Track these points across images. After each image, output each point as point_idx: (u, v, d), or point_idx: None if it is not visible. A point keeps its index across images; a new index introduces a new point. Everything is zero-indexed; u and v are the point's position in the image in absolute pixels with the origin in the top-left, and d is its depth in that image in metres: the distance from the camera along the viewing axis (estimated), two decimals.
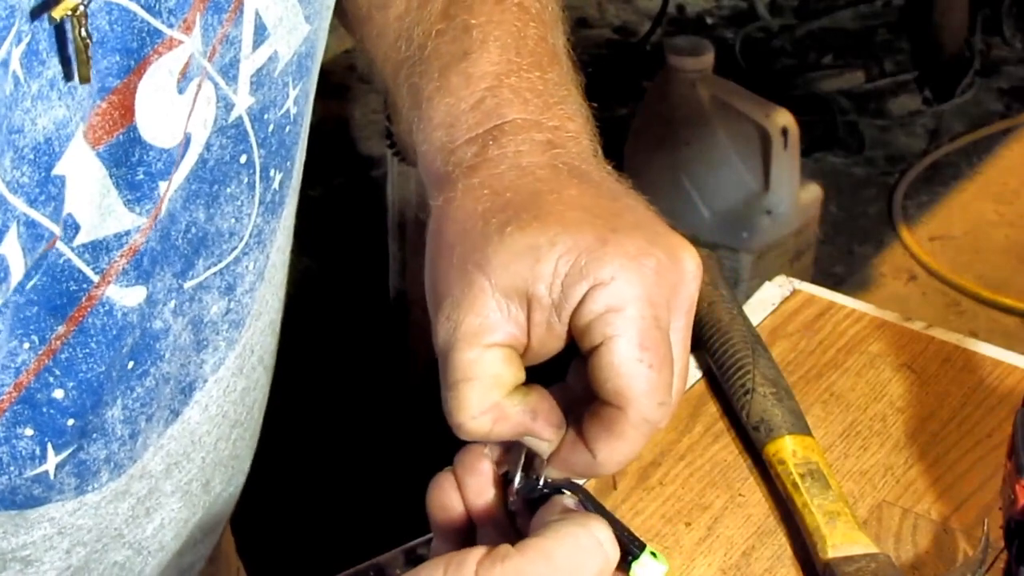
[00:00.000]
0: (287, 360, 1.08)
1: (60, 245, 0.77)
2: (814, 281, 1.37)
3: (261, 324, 0.97)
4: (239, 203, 0.87)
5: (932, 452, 1.17)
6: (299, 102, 0.90)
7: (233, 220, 0.87)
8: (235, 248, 0.89)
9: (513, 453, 0.82)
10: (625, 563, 0.77)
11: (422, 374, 2.80)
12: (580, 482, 0.81)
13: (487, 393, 0.79)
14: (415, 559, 1.20)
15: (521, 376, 0.80)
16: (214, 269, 0.88)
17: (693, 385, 1.23)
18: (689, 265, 0.80)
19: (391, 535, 1.15)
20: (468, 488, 0.81)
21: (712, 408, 1.21)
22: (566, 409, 0.81)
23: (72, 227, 0.77)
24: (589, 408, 0.80)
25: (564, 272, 0.78)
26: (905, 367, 1.25)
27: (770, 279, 1.36)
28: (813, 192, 3.10)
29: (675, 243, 0.81)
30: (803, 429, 1.13)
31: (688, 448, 1.17)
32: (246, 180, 0.88)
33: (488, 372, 0.79)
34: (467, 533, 0.81)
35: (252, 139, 0.86)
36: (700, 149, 3.02)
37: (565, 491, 0.79)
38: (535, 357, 0.81)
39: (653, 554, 0.77)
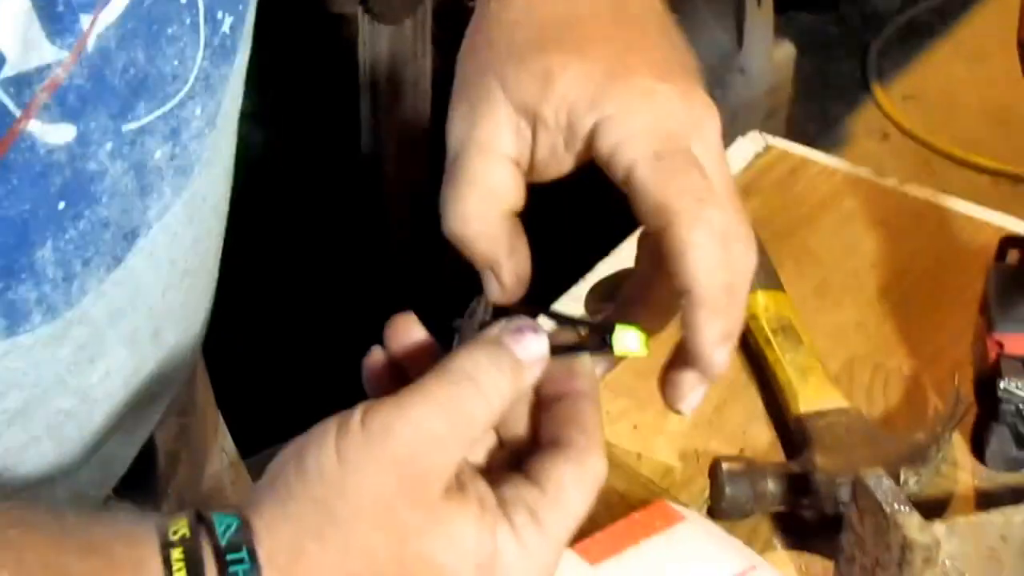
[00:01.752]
0: (260, 221, 1.07)
1: None
2: (787, 139, 1.37)
3: (214, 172, 0.95)
4: (182, 44, 0.86)
5: (904, 308, 1.17)
6: None
7: (176, 62, 0.85)
8: (179, 91, 0.87)
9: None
10: (605, 344, 0.78)
11: (395, 234, 2.80)
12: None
13: (485, 200, 0.80)
14: None
15: (520, 201, 0.81)
16: (157, 112, 0.86)
17: None
18: (704, 111, 0.80)
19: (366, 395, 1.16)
20: (401, 356, 0.80)
21: None
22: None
23: None
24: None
25: (571, 100, 0.79)
26: (878, 224, 1.25)
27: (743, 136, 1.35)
28: (787, 51, 3.09)
29: (688, 86, 0.81)
30: (776, 285, 1.13)
31: None
32: (188, 21, 0.86)
33: (492, 181, 0.80)
34: None
35: None
36: (673, 7, 2.99)
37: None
38: (538, 177, 0.82)
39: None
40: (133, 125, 0.85)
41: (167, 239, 0.93)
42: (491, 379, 0.73)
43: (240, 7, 0.90)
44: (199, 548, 0.69)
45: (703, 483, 0.99)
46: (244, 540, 0.70)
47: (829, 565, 0.93)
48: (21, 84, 0.77)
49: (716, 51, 3.00)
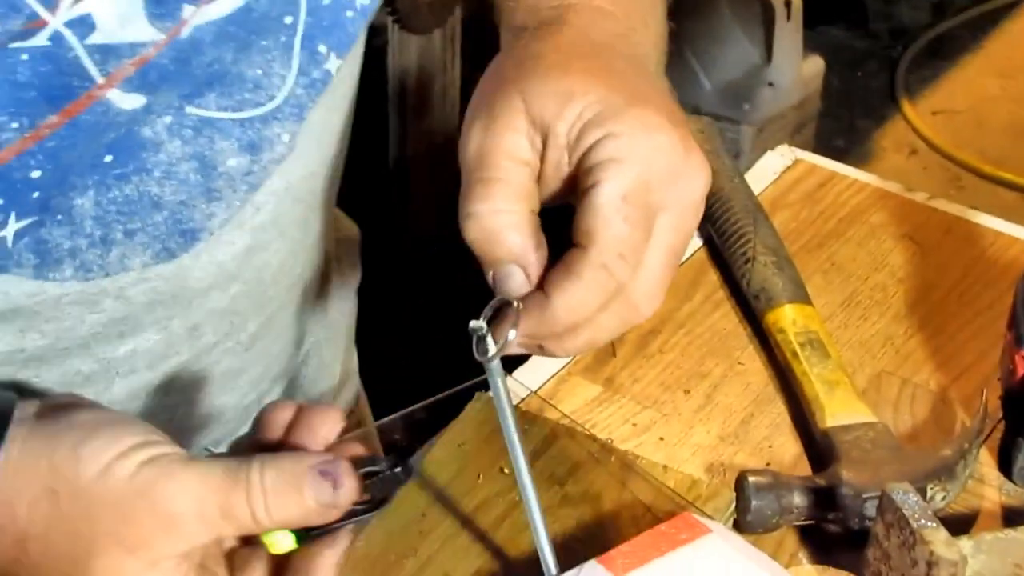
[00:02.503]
0: None
1: (72, 40, 0.80)
2: (815, 153, 1.36)
3: (289, 194, 0.99)
4: (270, 58, 0.91)
5: (932, 323, 1.17)
6: None
7: (259, 71, 0.91)
8: (261, 105, 0.91)
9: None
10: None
11: (421, 242, 2.81)
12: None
13: (515, 197, 0.83)
14: (413, 424, 1.20)
15: (538, 207, 0.84)
16: (231, 114, 0.90)
17: (693, 253, 1.23)
18: (698, 168, 0.84)
19: (388, 403, 1.16)
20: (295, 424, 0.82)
21: (712, 276, 1.21)
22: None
23: (87, 26, 0.80)
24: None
25: (586, 119, 0.83)
26: (906, 238, 1.25)
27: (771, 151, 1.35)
28: (815, 65, 3.09)
29: (692, 145, 0.84)
30: (803, 298, 1.13)
31: (688, 316, 1.17)
32: (283, 39, 0.91)
33: (519, 180, 0.83)
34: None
35: (302, 4, 0.90)
36: (703, 21, 3.00)
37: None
38: (540, 194, 0.85)
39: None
40: (198, 111, 0.89)
41: (224, 247, 0.96)
42: (263, 501, 0.76)
43: (348, 54, 0.95)
44: None
45: (729, 496, 0.99)
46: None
47: None
48: (108, 53, 0.82)
49: (745, 65, 3.00)
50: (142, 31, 0.82)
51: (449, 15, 2.77)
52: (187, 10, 0.84)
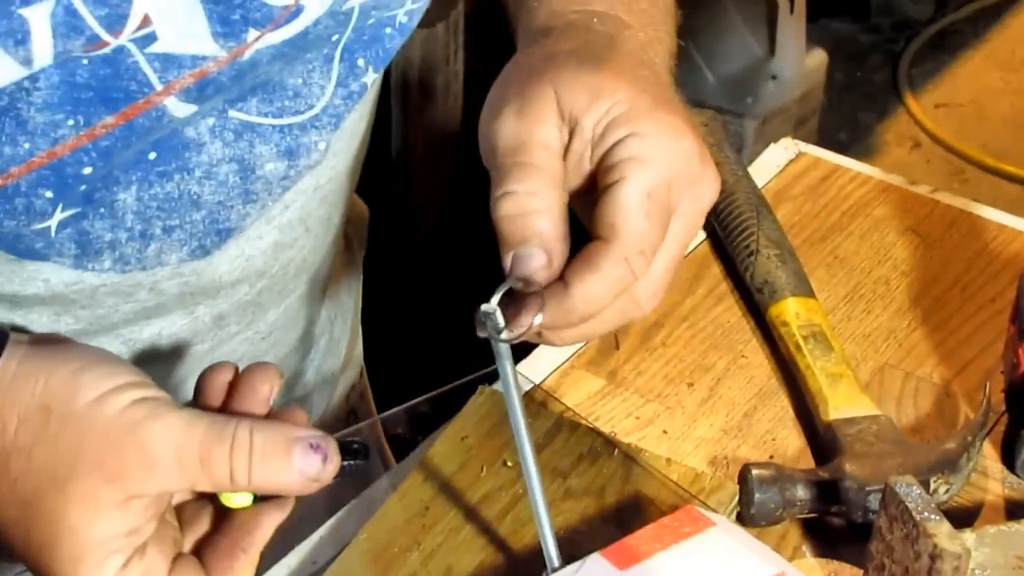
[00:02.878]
0: None
1: (132, 48, 0.83)
2: (818, 147, 1.36)
3: (318, 196, 1.02)
4: (310, 67, 0.93)
5: (935, 316, 1.17)
6: (411, 16, 0.98)
7: (299, 80, 0.93)
8: (300, 113, 0.94)
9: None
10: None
11: (423, 234, 2.81)
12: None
13: (551, 183, 0.85)
14: (416, 417, 1.20)
15: (566, 197, 0.86)
16: (271, 120, 0.93)
17: (697, 246, 1.23)
18: (712, 178, 0.88)
19: (390, 394, 1.16)
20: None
21: (715, 270, 1.21)
22: None
23: (148, 38, 0.82)
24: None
25: (613, 115, 0.86)
26: (910, 231, 1.25)
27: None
28: (818, 58, 3.08)
29: (708, 155, 0.88)
30: (806, 291, 1.13)
31: (691, 310, 1.17)
32: (325, 51, 0.93)
33: (555, 169, 0.86)
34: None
35: (351, 24, 0.93)
36: (706, 15, 2.99)
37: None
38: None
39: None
40: (239, 115, 0.91)
41: (253, 242, 1.00)
42: (247, 462, 0.77)
43: (383, 64, 0.98)
44: None
45: (732, 489, 0.99)
46: None
47: (858, 572, 0.93)
48: (169, 63, 0.85)
49: (748, 58, 3.00)
50: (205, 47, 0.85)
51: (452, 8, 2.77)
52: (252, 34, 0.86)
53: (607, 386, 1.10)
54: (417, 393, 0.98)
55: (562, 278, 0.84)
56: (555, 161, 0.86)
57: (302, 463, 0.78)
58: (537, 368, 1.11)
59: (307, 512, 1.26)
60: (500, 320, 0.84)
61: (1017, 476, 1.04)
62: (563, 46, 0.90)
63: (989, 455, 1.05)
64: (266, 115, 0.93)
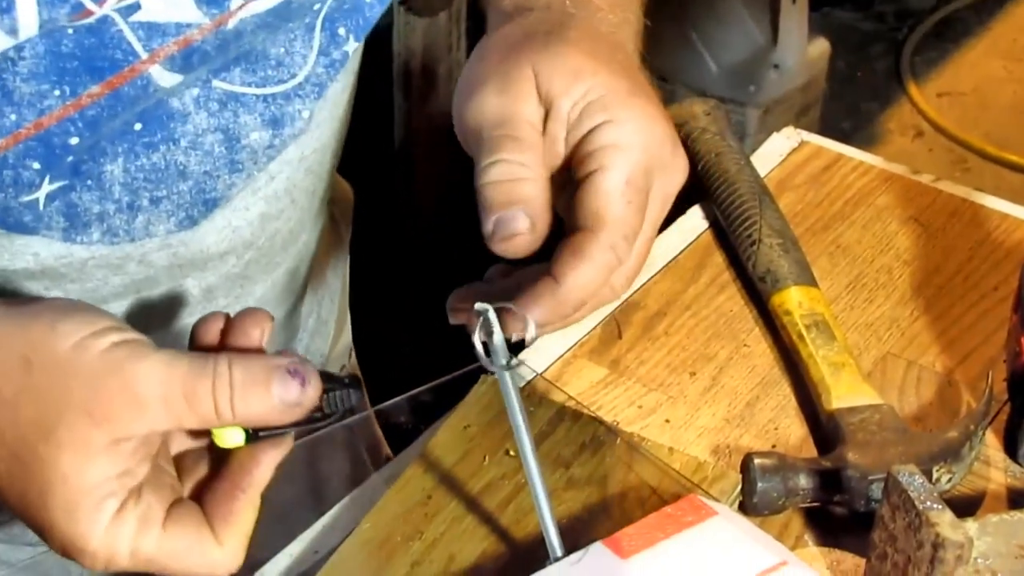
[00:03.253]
0: None
1: (116, 17, 0.84)
2: (821, 136, 1.36)
3: (303, 167, 1.03)
4: (292, 37, 0.94)
5: (938, 305, 1.17)
6: None
7: (282, 49, 0.94)
8: (283, 82, 0.95)
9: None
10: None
11: (426, 224, 2.81)
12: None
13: (538, 157, 0.87)
14: (419, 406, 1.20)
15: (549, 173, 0.89)
16: (255, 89, 0.94)
17: (699, 236, 1.23)
18: (683, 163, 0.92)
19: (387, 384, 1.16)
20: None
21: (718, 259, 1.21)
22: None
23: (132, 7, 0.84)
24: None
25: (590, 99, 0.88)
26: (912, 220, 1.25)
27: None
28: (821, 47, 3.08)
29: (678, 141, 0.91)
30: (809, 280, 1.13)
31: (694, 299, 1.17)
32: (307, 20, 0.94)
33: (540, 143, 0.88)
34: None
35: None
36: (709, 3, 2.99)
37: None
38: None
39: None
40: (223, 85, 0.93)
41: (239, 214, 1.01)
42: (229, 394, 0.77)
43: (364, 33, 0.99)
44: None
45: (735, 478, 0.99)
46: None
47: (860, 562, 0.93)
48: (153, 31, 0.86)
49: (751, 47, 2.99)
50: (189, 14, 0.86)
51: None
52: (235, 2, 0.88)
53: (609, 375, 1.10)
54: (419, 382, 0.98)
55: (551, 273, 0.86)
56: (539, 138, 0.88)
57: (281, 389, 0.78)
58: (539, 358, 1.11)
59: (309, 501, 1.26)
60: (495, 321, 0.85)
61: (1020, 465, 1.04)
62: (539, 27, 0.92)
63: (992, 444, 1.05)
64: (250, 85, 0.94)
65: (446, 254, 2.64)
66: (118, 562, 0.78)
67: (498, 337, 0.86)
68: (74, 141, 0.87)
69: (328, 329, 1.25)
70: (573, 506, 0.97)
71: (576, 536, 0.91)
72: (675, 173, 0.91)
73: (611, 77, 0.89)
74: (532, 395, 1.06)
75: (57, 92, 0.85)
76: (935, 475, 0.98)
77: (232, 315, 0.83)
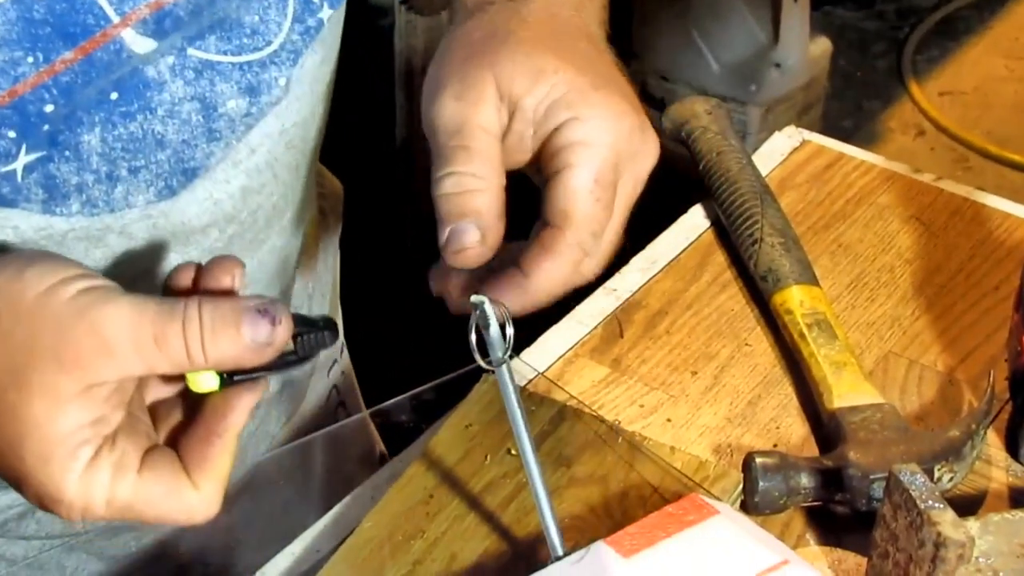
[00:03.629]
0: None
1: None
2: (822, 135, 1.36)
3: (284, 139, 1.02)
4: (266, 4, 0.95)
5: (939, 304, 1.17)
6: None
7: (256, 17, 0.94)
8: (259, 49, 0.95)
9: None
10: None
11: (427, 221, 2.81)
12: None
13: (490, 166, 0.88)
14: (420, 405, 1.20)
15: (504, 183, 0.90)
16: (231, 58, 0.94)
17: (701, 235, 1.23)
18: (653, 148, 0.92)
19: (393, 383, 1.16)
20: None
21: (720, 257, 1.21)
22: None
23: None
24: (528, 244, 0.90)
25: (554, 97, 0.89)
26: (914, 219, 1.25)
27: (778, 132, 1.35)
28: (822, 46, 3.08)
29: (648, 125, 0.92)
30: (811, 279, 1.13)
31: (695, 297, 1.17)
32: None
33: (493, 154, 0.89)
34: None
35: None
36: (710, 1, 2.99)
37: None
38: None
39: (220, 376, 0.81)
40: (199, 53, 0.93)
41: (220, 186, 1.00)
42: (199, 336, 0.77)
43: (338, 3, 1.00)
44: None
45: (736, 477, 0.99)
46: None
47: (862, 561, 0.93)
48: None
49: (752, 45, 2.99)
50: None
51: None
52: None
53: (611, 374, 1.10)
54: (422, 381, 0.98)
55: (519, 267, 0.88)
56: (494, 144, 0.88)
57: (252, 329, 0.77)
58: (541, 356, 1.11)
59: (311, 500, 1.26)
60: (491, 312, 0.86)
61: (1021, 464, 1.04)
62: (502, 23, 0.93)
63: (993, 443, 1.05)
64: (225, 53, 0.94)
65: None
66: (94, 511, 0.78)
67: (494, 329, 0.86)
68: (49, 109, 0.87)
69: None
70: (575, 505, 0.97)
71: (578, 535, 0.91)
72: (645, 159, 0.91)
73: (574, 73, 0.89)
74: (534, 394, 1.06)
75: (31, 59, 0.85)
76: (937, 474, 0.98)
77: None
